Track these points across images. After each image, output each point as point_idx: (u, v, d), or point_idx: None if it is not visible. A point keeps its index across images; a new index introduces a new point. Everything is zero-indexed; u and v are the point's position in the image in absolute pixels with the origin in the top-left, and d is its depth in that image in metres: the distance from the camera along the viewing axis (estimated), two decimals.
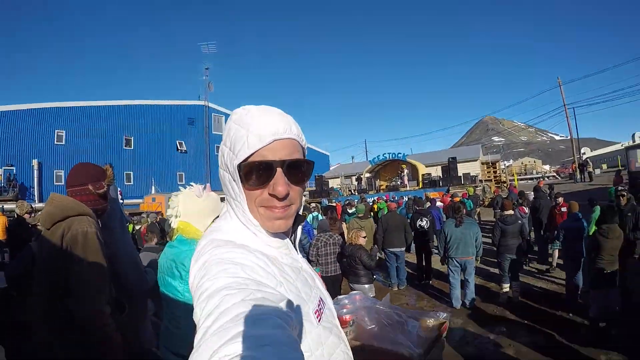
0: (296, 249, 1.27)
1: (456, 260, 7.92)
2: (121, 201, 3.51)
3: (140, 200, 31.07)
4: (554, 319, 6.98)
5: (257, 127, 1.03)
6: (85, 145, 36.28)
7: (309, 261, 7.35)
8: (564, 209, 9.10)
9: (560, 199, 9.77)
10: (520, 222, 8.10)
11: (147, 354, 3.16)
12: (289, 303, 0.91)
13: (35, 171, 33.46)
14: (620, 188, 7.37)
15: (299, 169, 1.09)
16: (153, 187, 34.19)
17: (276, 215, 1.08)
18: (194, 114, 46.29)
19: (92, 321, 2.27)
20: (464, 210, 8.39)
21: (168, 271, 2.60)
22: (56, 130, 35.55)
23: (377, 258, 7.22)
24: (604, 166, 45.99)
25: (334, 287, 7.47)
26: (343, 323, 2.49)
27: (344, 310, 2.58)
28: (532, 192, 13.05)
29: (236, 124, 1.08)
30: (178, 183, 42.61)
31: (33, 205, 12.65)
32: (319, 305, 1.14)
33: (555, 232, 8.57)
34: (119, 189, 3.71)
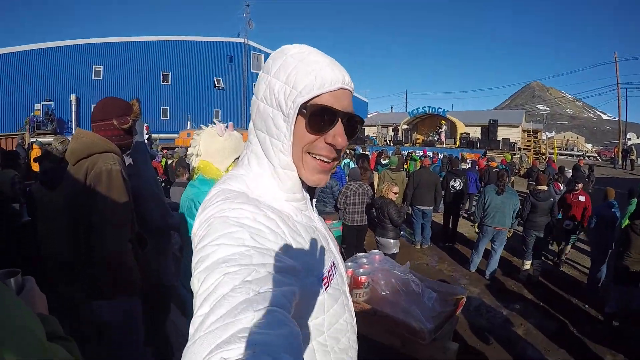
0: (313, 208, 1.20)
1: (490, 229, 7.73)
2: (146, 136, 3.44)
3: (175, 135, 31.25)
4: (569, 306, 6.84)
5: (326, 70, 0.98)
6: (123, 81, 36.59)
7: (337, 209, 7.35)
8: (581, 198, 8.27)
9: (580, 185, 8.47)
10: (552, 199, 7.77)
11: (165, 289, 3.21)
12: (294, 272, 0.87)
13: (73, 106, 34.00)
14: None
15: (355, 125, 1.05)
16: (189, 123, 34.33)
17: (322, 168, 1.04)
18: (233, 52, 45.71)
19: (112, 257, 2.27)
20: (507, 179, 8.07)
21: (188, 210, 2.58)
22: (94, 66, 35.82)
23: (405, 217, 7.08)
24: None
25: (358, 237, 7.48)
26: (358, 284, 2.45)
27: (361, 270, 2.52)
28: (571, 170, 12.67)
29: (297, 60, 1.00)
30: (214, 119, 42.81)
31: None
32: (329, 271, 1.08)
33: (567, 222, 8.25)
34: (145, 125, 3.65)
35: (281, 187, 1.05)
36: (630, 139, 48.98)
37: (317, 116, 0.98)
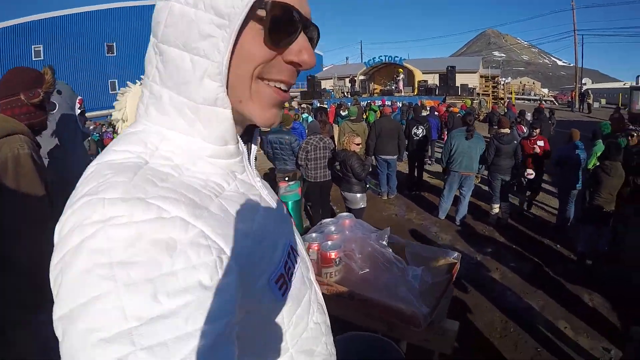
0: (252, 169, 0.80)
1: (457, 174, 7.52)
2: (79, 111, 2.89)
3: None
4: (541, 247, 6.83)
5: None
6: (65, 58, 34.64)
7: (297, 165, 6.91)
8: (540, 143, 7.84)
9: (537, 131, 7.97)
10: (516, 142, 7.60)
11: None
12: (228, 298, 0.55)
13: None
14: (632, 127, 6.79)
15: (314, 38, 0.77)
16: None
17: (281, 98, 0.71)
18: None
19: (33, 263, 1.77)
20: (474, 123, 7.76)
21: None
22: (33, 46, 34.14)
23: (369, 169, 6.67)
24: (603, 101, 45.92)
25: (322, 193, 7.12)
26: (327, 261, 1.99)
27: (329, 243, 2.04)
28: (533, 114, 12.65)
29: None
30: (141, 76, 41.67)
31: None
32: (286, 263, 0.73)
33: (528, 171, 7.95)
34: (79, 98, 3.09)
35: (205, 136, 0.67)
36: (585, 83, 50.54)
37: (280, 22, 0.64)
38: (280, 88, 0.71)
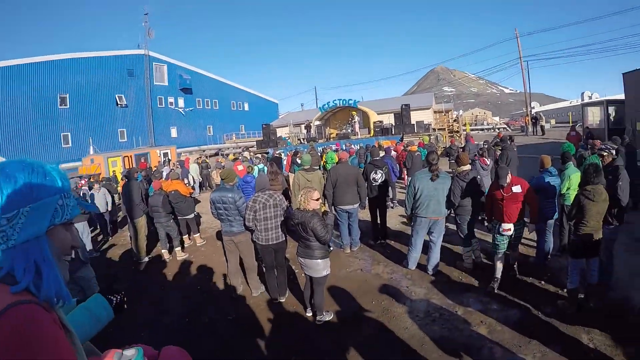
0: None
1: (425, 220, 6.84)
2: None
3: (79, 163, 28.87)
4: (525, 286, 6.29)
5: None
6: (16, 110, 33.19)
7: (246, 227, 6.14)
8: (516, 189, 5.94)
9: (508, 178, 5.95)
10: (479, 177, 7.09)
11: None
12: None
13: None
14: (603, 146, 6.45)
15: None
16: (91, 148, 31.84)
17: None
18: (134, 65, 43.59)
19: None
20: (438, 161, 7.04)
21: None
22: None
23: (332, 228, 5.76)
24: (553, 121, 48.31)
25: (277, 256, 6.31)
26: None
27: None
28: (493, 144, 12.41)
29: None
30: (120, 140, 40.44)
31: None
32: None
33: (505, 226, 6.14)
34: None
35: None
36: (534, 107, 52.77)
37: None
38: None
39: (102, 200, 11.86)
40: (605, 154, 6.10)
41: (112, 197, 12.73)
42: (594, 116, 21.58)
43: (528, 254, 7.51)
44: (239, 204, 6.27)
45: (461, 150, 11.72)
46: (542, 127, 34.71)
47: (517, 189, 5.94)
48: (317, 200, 5.40)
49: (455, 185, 6.82)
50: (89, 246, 9.85)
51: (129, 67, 42.83)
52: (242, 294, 6.90)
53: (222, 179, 6.74)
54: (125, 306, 2.03)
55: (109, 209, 12.05)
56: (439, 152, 21.29)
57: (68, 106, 37.02)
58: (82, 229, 9.81)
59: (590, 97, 54.01)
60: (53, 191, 1.34)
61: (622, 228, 5.94)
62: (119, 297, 1.95)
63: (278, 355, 5.10)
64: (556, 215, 7.00)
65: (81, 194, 12.12)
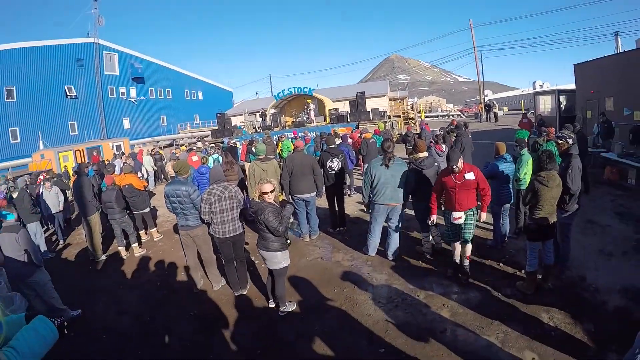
0: None
1: (382, 207, 6.84)
2: None
3: (29, 160, 27.52)
4: (485, 269, 6.42)
5: None
6: None
7: (202, 220, 6.04)
8: (469, 176, 5.78)
9: (460, 162, 5.74)
10: (437, 164, 7.17)
11: None
12: None
13: None
14: (560, 134, 6.63)
15: None
16: (41, 142, 30.48)
17: None
18: (83, 54, 41.25)
19: None
20: (392, 148, 7.03)
21: None
22: None
23: (290, 218, 5.54)
24: (505, 109, 49.68)
25: (235, 248, 6.20)
26: None
27: None
28: (447, 131, 12.61)
29: None
30: (71, 134, 38.95)
31: None
32: None
33: (455, 214, 5.92)
34: None
35: None
36: (487, 95, 54.09)
37: None
38: None
39: (54, 199, 11.29)
40: (561, 141, 6.26)
41: (65, 195, 12.20)
42: (545, 104, 22.17)
43: (486, 237, 7.66)
44: (194, 197, 6.11)
45: (417, 137, 11.79)
46: (495, 114, 35.31)
47: (469, 176, 5.80)
48: (268, 192, 5.24)
49: (411, 172, 6.87)
50: (43, 247, 9.48)
51: (78, 56, 40.61)
52: (203, 288, 6.76)
53: (175, 172, 6.57)
54: (66, 331, 1.99)
55: (61, 208, 11.43)
56: (395, 139, 21.48)
57: (15, 99, 34.80)
58: (35, 229, 9.46)
59: (541, 86, 55.95)
60: None
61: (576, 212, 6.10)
62: (59, 319, 1.92)
63: (243, 348, 5.04)
64: (512, 200, 7.16)
65: (40, 191, 11.50)
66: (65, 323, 1.95)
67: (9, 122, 34.10)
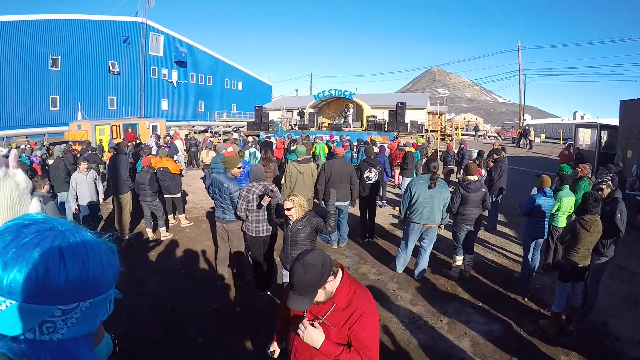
0: None
1: (418, 226, 6.80)
2: None
3: (65, 128, 28.00)
4: (509, 302, 6.35)
5: None
6: (6, 66, 31.61)
7: (237, 217, 5.98)
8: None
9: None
10: (484, 189, 7.01)
11: None
12: None
13: None
14: (604, 179, 6.48)
15: None
16: (79, 113, 30.98)
17: None
18: (130, 32, 41.98)
19: None
20: (438, 169, 7.04)
21: None
22: None
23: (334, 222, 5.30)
24: (543, 136, 48.41)
25: (265, 250, 6.23)
26: None
27: None
28: (489, 153, 12.31)
29: None
30: (109, 108, 39.54)
31: None
32: None
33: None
34: None
35: None
36: (525, 119, 53.14)
37: None
38: None
39: (90, 187, 8.92)
40: (604, 186, 6.13)
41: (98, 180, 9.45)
42: (585, 137, 21.70)
43: (513, 269, 7.55)
44: (234, 195, 6.11)
45: (471, 161, 11.57)
46: (530, 142, 34.72)
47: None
48: (289, 209, 4.96)
49: (456, 192, 6.85)
50: (69, 218, 9.49)
51: (125, 34, 41.39)
52: (228, 282, 6.80)
53: (223, 164, 6.54)
54: (117, 348, 1.94)
55: (94, 199, 9.01)
56: (429, 154, 21.19)
57: (59, 68, 35.58)
58: (66, 198, 9.48)
59: (582, 117, 54.30)
60: (112, 282, 1.06)
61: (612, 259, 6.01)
62: (112, 335, 1.88)
63: (261, 351, 5.00)
64: (545, 236, 7.06)
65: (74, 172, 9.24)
66: (116, 340, 1.89)
67: (51, 89, 34.92)
